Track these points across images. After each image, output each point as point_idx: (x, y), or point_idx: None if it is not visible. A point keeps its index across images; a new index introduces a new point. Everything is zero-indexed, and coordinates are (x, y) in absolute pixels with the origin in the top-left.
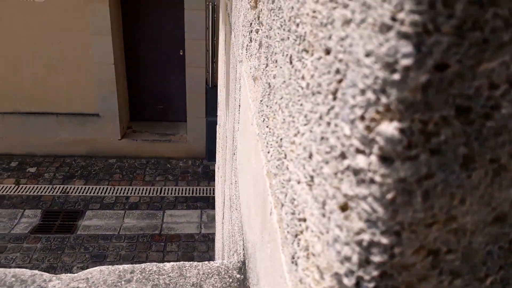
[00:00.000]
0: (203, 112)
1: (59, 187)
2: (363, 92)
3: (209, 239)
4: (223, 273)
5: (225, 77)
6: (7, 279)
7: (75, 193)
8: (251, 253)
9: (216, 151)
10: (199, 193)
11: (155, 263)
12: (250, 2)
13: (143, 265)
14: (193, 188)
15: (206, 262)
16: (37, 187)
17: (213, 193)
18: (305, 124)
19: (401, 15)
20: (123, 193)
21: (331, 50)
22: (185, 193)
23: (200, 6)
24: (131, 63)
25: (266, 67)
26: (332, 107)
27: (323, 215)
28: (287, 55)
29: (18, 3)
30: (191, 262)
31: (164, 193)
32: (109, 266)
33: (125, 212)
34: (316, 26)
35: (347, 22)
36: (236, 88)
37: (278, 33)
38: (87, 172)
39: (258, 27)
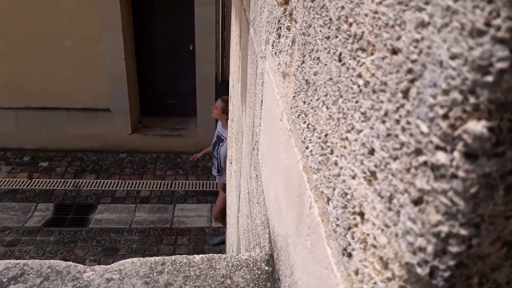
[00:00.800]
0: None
1: (71, 181)
2: (446, 92)
3: (220, 233)
4: (251, 265)
5: (239, 72)
6: (43, 270)
7: (86, 187)
8: (282, 246)
9: (227, 146)
10: (209, 187)
11: (185, 255)
12: None
13: (173, 257)
14: (203, 182)
15: (234, 255)
16: (50, 181)
17: None
18: (363, 121)
19: (497, 21)
20: (134, 187)
21: (401, 50)
22: (195, 187)
23: (210, 1)
24: (142, 58)
25: (302, 64)
26: (402, 105)
27: (389, 209)
28: (334, 53)
29: None
30: (220, 255)
31: (174, 187)
32: (140, 258)
33: (136, 206)
34: (379, 26)
35: (423, 24)
36: (256, 84)
37: (320, 31)
38: (98, 166)
39: (290, 24)
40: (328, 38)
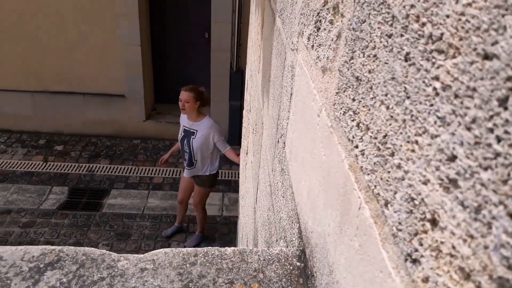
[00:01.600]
0: (227, 96)
1: (85, 165)
2: None
3: (231, 222)
4: (283, 260)
5: (260, 63)
6: (78, 257)
7: (100, 172)
8: (318, 243)
9: (242, 136)
10: (221, 177)
11: (217, 247)
12: None
13: (205, 248)
14: None
15: (265, 249)
16: (64, 165)
17: (235, 177)
18: (441, 126)
19: None
20: (147, 174)
21: (497, 56)
22: None
23: None
24: (157, 45)
25: (350, 60)
26: (498, 114)
27: (475, 220)
28: (399, 52)
29: None
30: (251, 248)
31: None
32: (173, 248)
33: (149, 192)
34: (466, 29)
35: None
36: (284, 76)
37: (378, 28)
38: (112, 152)
39: (333, 18)
40: (389, 36)
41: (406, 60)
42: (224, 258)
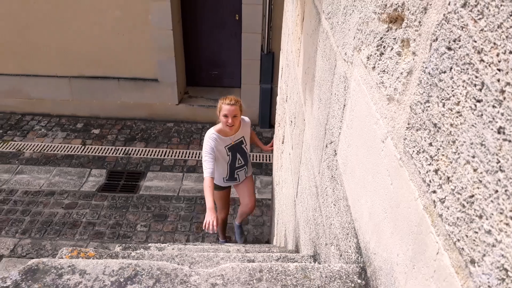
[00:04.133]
0: (257, 78)
1: (122, 148)
2: None
3: (263, 204)
4: (344, 277)
5: (299, 55)
6: (153, 271)
7: (136, 155)
8: (383, 267)
9: (276, 122)
10: (253, 159)
11: (280, 263)
12: (382, 14)
13: (268, 264)
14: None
15: (326, 265)
16: (102, 148)
17: (267, 159)
18: None
19: None
20: (181, 157)
21: None
22: None
23: None
24: (188, 28)
25: (426, 103)
26: None
27: None
28: (490, 122)
29: None
30: (313, 264)
31: None
32: (238, 263)
33: (184, 175)
34: None
35: None
36: (334, 83)
37: (463, 87)
38: (147, 135)
39: (401, 50)
40: (478, 101)
41: (499, 133)
42: (288, 274)
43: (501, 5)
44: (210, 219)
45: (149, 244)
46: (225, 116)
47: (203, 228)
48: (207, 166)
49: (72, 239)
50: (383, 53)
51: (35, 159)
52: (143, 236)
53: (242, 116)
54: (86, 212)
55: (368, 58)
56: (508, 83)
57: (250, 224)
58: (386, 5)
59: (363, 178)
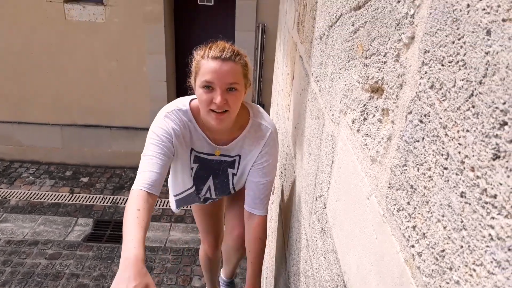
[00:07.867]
0: None
1: (110, 197)
2: None
3: None
4: None
5: (289, 111)
6: None
7: (124, 203)
8: None
9: None
10: None
11: None
12: (364, 84)
13: None
14: None
15: None
16: (89, 196)
17: None
18: (496, 267)
19: None
20: (169, 206)
21: None
22: None
23: (250, 27)
24: (181, 81)
25: (403, 167)
26: None
27: None
28: (454, 187)
29: (81, 24)
30: None
31: None
32: None
33: (171, 225)
34: None
35: None
36: (323, 141)
37: (433, 155)
38: None
39: (382, 118)
40: (445, 168)
41: (462, 197)
42: None
43: (459, 91)
44: None
45: None
46: (208, 87)
47: None
48: (144, 169)
49: None
50: (366, 119)
51: (20, 207)
52: None
53: (253, 107)
54: (70, 263)
55: (353, 121)
56: (466, 156)
57: (239, 278)
58: (368, 77)
59: (351, 232)
